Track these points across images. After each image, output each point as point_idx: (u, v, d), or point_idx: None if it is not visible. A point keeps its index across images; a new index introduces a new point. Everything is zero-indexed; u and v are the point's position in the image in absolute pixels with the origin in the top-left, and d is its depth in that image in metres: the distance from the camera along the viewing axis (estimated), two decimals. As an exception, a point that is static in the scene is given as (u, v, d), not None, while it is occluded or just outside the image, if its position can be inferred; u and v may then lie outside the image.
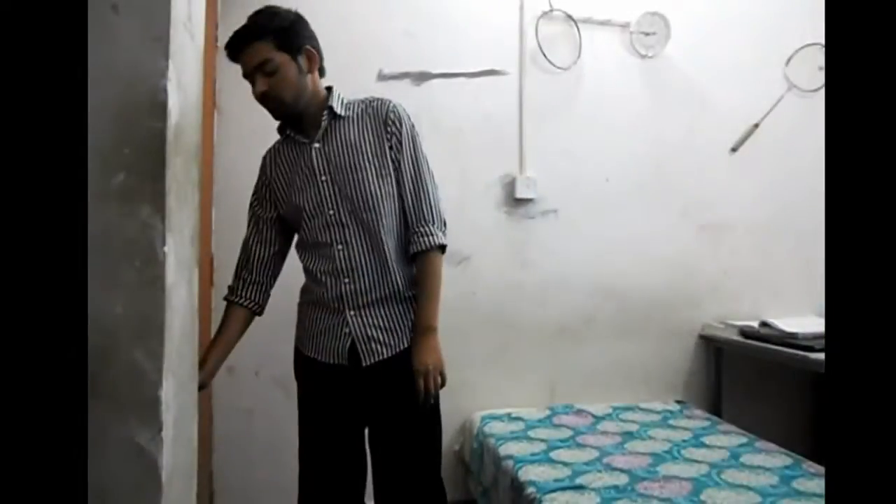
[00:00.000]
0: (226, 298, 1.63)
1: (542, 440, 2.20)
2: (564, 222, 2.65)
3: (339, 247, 1.52)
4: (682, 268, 2.75)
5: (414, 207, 1.55)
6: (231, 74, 2.41)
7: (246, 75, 1.50)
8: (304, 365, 1.63)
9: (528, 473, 1.89)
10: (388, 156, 1.54)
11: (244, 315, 1.61)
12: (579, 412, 2.51)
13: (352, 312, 1.53)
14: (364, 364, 1.52)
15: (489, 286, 2.58)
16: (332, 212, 1.52)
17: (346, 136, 1.53)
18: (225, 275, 2.37)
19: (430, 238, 1.53)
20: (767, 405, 2.77)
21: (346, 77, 2.45)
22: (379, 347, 1.53)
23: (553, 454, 2.06)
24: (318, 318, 1.58)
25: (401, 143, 1.55)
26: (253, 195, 1.68)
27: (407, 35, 2.52)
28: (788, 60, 2.82)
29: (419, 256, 1.54)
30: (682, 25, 2.70)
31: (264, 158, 1.66)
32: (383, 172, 1.53)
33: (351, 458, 1.61)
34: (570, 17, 2.62)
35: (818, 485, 1.78)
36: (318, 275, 1.55)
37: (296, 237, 1.67)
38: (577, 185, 2.66)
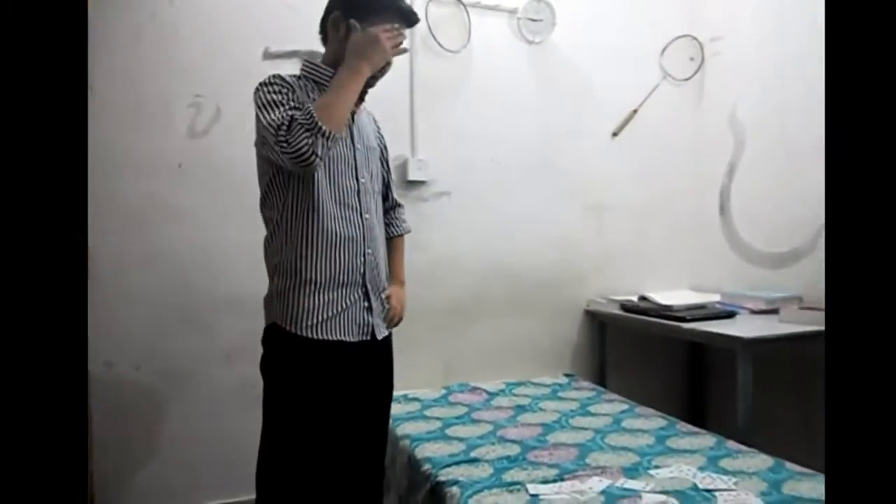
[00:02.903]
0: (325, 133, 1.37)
1: (438, 419, 2.24)
2: (457, 204, 2.69)
3: (367, 215, 1.57)
4: (568, 247, 2.87)
5: (393, 198, 1.83)
6: (104, 51, 2.25)
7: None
8: (327, 351, 1.49)
9: (424, 451, 1.92)
10: (379, 150, 1.73)
11: None
12: (474, 390, 2.58)
13: (369, 285, 1.57)
14: (379, 338, 1.59)
15: (384, 269, 2.58)
16: (363, 180, 1.58)
17: (364, 117, 1.67)
18: (101, 266, 2.22)
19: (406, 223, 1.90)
20: (647, 373, 2.97)
21: (229, 54, 2.37)
22: (382, 323, 1.62)
23: (448, 431, 2.10)
24: (340, 296, 1.50)
25: (386, 148, 1.81)
26: (287, 95, 1.44)
27: (293, 10, 2.45)
28: (663, 51, 3.00)
29: (401, 238, 1.87)
30: (567, 13, 2.79)
31: (293, 81, 1.48)
32: (379, 158, 1.72)
33: (381, 442, 1.69)
34: (459, 0, 2.64)
35: (689, 442, 1.93)
36: (345, 244, 1.51)
37: (296, 199, 1.48)
38: (469, 168, 2.70)
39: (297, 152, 1.33)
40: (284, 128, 1.35)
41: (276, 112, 1.39)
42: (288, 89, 1.45)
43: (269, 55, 2.42)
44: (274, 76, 1.48)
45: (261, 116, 1.41)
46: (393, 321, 1.70)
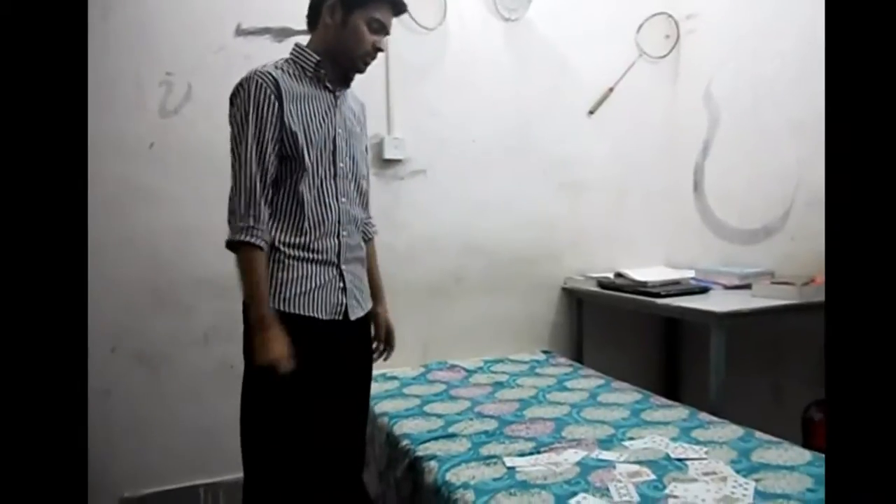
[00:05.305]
0: (246, 241, 1.45)
1: (417, 396, 2.26)
2: (433, 183, 2.68)
3: (343, 199, 1.59)
4: (545, 225, 2.88)
5: (366, 199, 1.74)
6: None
7: (381, 31, 1.57)
8: (299, 325, 1.50)
9: (403, 427, 1.94)
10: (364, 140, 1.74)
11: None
12: (452, 367, 2.60)
13: (345, 266, 1.59)
14: (352, 318, 1.59)
15: (361, 248, 2.57)
16: (342, 164, 1.59)
17: (351, 104, 1.68)
18: None
19: (375, 227, 1.83)
20: (623, 348, 3.01)
21: (201, 31, 2.32)
22: (357, 304, 1.63)
23: (427, 408, 2.12)
24: (314, 272, 1.53)
25: (367, 150, 1.79)
26: (256, 125, 1.46)
27: (266, -12, 2.40)
28: (639, 28, 3.00)
29: (371, 241, 1.80)
30: (542, -10, 2.78)
31: (267, 85, 1.46)
32: (365, 149, 1.72)
33: (360, 421, 1.70)
34: (434, -24, 2.61)
35: (662, 414, 1.97)
36: (319, 225, 1.54)
37: (277, 179, 1.52)
38: (445, 146, 2.69)
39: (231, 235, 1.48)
40: (233, 210, 1.48)
41: (242, 170, 1.47)
42: (265, 108, 1.46)
43: (241, 32, 2.38)
44: (257, 82, 1.46)
45: (232, 143, 1.48)
46: (389, 354, 1.84)
